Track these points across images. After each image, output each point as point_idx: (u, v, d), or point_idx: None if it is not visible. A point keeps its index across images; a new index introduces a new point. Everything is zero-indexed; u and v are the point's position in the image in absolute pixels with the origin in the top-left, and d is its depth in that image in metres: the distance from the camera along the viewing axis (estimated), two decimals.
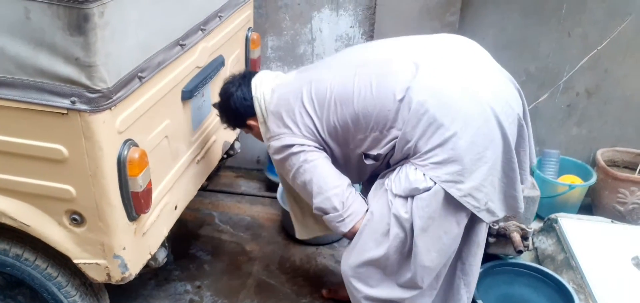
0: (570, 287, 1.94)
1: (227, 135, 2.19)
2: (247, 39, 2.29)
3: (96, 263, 1.48)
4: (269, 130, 1.69)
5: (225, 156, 2.23)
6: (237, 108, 1.77)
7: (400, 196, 1.51)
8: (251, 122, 1.78)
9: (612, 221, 2.31)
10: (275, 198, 2.65)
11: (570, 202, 2.55)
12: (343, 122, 1.57)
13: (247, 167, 3.07)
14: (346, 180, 1.62)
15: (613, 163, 2.67)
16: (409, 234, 1.52)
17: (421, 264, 1.53)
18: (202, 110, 1.92)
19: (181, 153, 1.78)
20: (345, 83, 1.56)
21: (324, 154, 1.63)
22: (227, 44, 2.05)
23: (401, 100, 1.47)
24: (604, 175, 2.55)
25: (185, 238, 2.52)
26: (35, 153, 1.34)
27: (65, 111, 1.27)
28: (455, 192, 1.45)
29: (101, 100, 1.27)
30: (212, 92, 1.98)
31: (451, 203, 1.47)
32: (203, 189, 2.22)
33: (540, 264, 2.12)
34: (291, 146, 1.61)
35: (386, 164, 1.63)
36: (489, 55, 1.62)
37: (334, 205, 1.57)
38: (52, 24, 1.19)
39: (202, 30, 1.79)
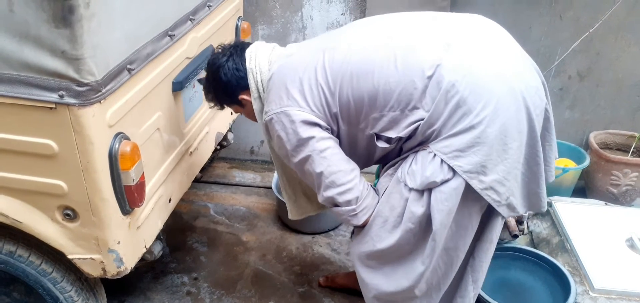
0: (565, 269, 1.96)
1: (220, 126, 2.18)
2: (237, 28, 2.26)
3: (91, 258, 1.47)
4: (269, 103, 1.51)
5: (218, 147, 2.22)
6: (228, 81, 1.58)
7: (416, 190, 1.40)
8: (244, 97, 1.60)
9: (605, 204, 2.32)
10: (270, 188, 2.64)
11: (564, 185, 2.56)
12: (358, 98, 1.41)
13: (241, 157, 3.06)
14: (357, 169, 1.51)
15: (606, 146, 2.68)
16: (424, 227, 1.43)
17: (438, 261, 1.45)
18: (193, 101, 1.90)
19: (174, 145, 1.76)
20: (364, 55, 1.41)
21: (333, 140, 1.49)
22: (217, 34, 2.03)
23: (430, 77, 1.33)
24: (597, 158, 2.55)
25: (181, 231, 2.52)
26: (25, 149, 1.33)
27: (53, 106, 1.25)
28: (476, 184, 1.33)
29: (90, 93, 1.25)
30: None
31: (470, 195, 1.37)
32: (197, 181, 2.22)
33: (535, 248, 2.13)
34: (297, 123, 1.44)
35: (398, 150, 1.51)
36: (514, 40, 1.49)
37: (348, 200, 1.47)
38: (36, 17, 1.17)
39: (191, 20, 1.77)
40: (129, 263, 1.52)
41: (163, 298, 2.15)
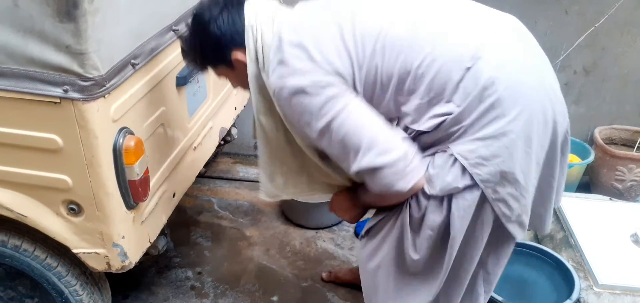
0: (569, 265, 1.95)
1: (223, 121, 2.18)
2: None
3: (95, 253, 1.48)
4: (278, 68, 1.25)
5: (222, 142, 2.22)
6: (221, 36, 1.32)
7: (435, 197, 1.26)
8: (237, 55, 1.35)
9: (610, 199, 2.31)
10: None
11: (569, 181, 2.55)
12: (388, 75, 1.22)
13: (245, 153, 3.06)
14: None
15: (611, 141, 2.67)
16: (442, 234, 1.30)
17: (455, 273, 1.34)
18: (197, 96, 1.90)
19: (178, 140, 1.76)
20: (401, 29, 1.22)
21: (361, 97, 1.27)
22: None
23: (469, 69, 1.18)
24: (602, 153, 2.54)
25: (185, 225, 2.53)
26: (30, 143, 1.33)
27: (58, 100, 1.25)
28: (490, 193, 1.21)
29: (94, 88, 1.25)
30: (207, 78, 1.96)
31: (483, 206, 1.25)
32: (201, 176, 2.22)
33: (539, 243, 2.13)
34: (318, 84, 1.21)
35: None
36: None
37: (395, 158, 1.21)
38: (41, 11, 1.16)
39: None
40: (134, 257, 1.52)
41: (167, 293, 2.16)
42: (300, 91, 1.22)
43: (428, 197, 1.26)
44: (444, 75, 1.19)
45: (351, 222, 1.58)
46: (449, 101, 1.20)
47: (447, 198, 1.25)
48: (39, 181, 1.38)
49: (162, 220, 1.69)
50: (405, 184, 1.23)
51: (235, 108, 2.31)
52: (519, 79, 1.18)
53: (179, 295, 2.15)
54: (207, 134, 2.01)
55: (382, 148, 1.21)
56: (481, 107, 1.17)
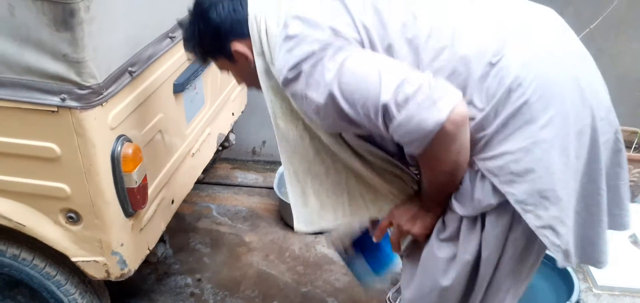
0: (569, 267, 1.96)
1: (221, 127, 2.18)
2: None
3: (94, 261, 1.47)
4: (285, 40, 1.10)
5: (220, 148, 2.22)
6: (220, 23, 1.19)
7: (468, 217, 1.13)
8: (238, 46, 1.20)
9: None
10: (272, 188, 2.65)
11: None
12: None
13: (243, 158, 3.06)
14: None
15: None
16: (476, 264, 1.15)
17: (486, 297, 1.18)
18: (195, 103, 1.91)
19: (176, 146, 1.77)
20: (422, 24, 1.08)
21: None
22: None
23: (492, 65, 1.03)
24: None
25: (184, 232, 2.52)
26: (28, 152, 1.33)
27: (55, 109, 1.25)
28: (532, 220, 1.03)
29: (92, 96, 1.25)
30: (205, 84, 1.96)
31: (520, 231, 1.09)
32: (199, 182, 2.22)
33: None
34: (328, 44, 1.06)
35: None
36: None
37: (419, 84, 0.99)
38: (37, 20, 1.17)
39: None
40: (133, 265, 1.52)
41: (167, 300, 2.15)
42: (309, 56, 1.07)
43: (460, 218, 1.13)
44: (462, 71, 1.05)
45: (421, 237, 1.26)
46: (470, 103, 1.05)
47: (480, 217, 1.11)
48: (37, 190, 1.38)
49: (160, 227, 1.69)
50: (439, 113, 0.98)
51: (232, 114, 2.31)
52: (550, 79, 1.02)
53: (179, 302, 2.14)
54: (205, 140, 2.02)
55: (404, 75, 1.01)
56: (507, 111, 1.02)
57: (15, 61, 1.22)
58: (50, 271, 1.56)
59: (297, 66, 1.08)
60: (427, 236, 1.25)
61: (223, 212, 2.67)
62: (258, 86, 1.26)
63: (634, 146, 2.58)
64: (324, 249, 2.42)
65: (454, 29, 1.07)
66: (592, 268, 1.94)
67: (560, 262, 1.08)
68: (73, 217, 1.41)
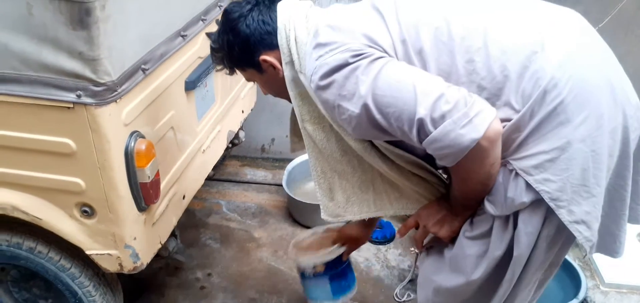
0: (576, 264, 1.96)
1: (231, 124, 2.21)
2: None
3: (108, 254, 1.51)
4: (316, 48, 1.13)
5: (230, 145, 2.25)
6: (250, 35, 1.22)
7: (500, 217, 1.14)
8: (266, 58, 1.23)
9: None
10: (281, 185, 2.67)
11: None
12: (439, 69, 1.10)
13: (252, 155, 3.09)
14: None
15: None
16: (506, 257, 1.16)
17: (513, 294, 1.20)
18: (206, 100, 1.94)
19: (187, 143, 1.80)
20: (456, 28, 1.10)
21: None
22: None
23: (527, 67, 1.04)
24: None
25: (194, 227, 2.56)
26: (44, 148, 1.37)
27: (71, 105, 1.29)
28: (565, 215, 1.06)
29: (106, 93, 1.29)
30: (215, 82, 1.99)
31: (552, 222, 1.10)
32: (209, 178, 2.25)
33: None
34: (361, 54, 1.08)
35: None
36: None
37: (455, 101, 1.01)
38: (54, 19, 1.20)
39: (202, 20, 1.80)
40: (145, 258, 1.56)
41: (177, 294, 2.19)
42: (343, 66, 1.09)
43: (492, 217, 1.15)
44: (498, 73, 1.06)
45: (448, 239, 1.28)
46: (506, 104, 1.07)
47: (513, 216, 1.13)
48: (54, 185, 1.42)
49: (172, 221, 1.72)
50: (475, 131, 1.00)
51: (242, 111, 2.34)
52: (585, 79, 1.04)
53: (189, 296, 2.18)
54: (216, 137, 2.05)
55: (440, 91, 1.03)
56: (543, 112, 1.03)
57: (33, 58, 1.26)
58: (65, 264, 1.60)
59: (329, 74, 1.10)
60: (453, 239, 1.27)
61: (233, 208, 2.70)
62: (285, 96, 1.29)
63: None
64: None
65: (485, 31, 1.08)
66: (599, 266, 1.95)
67: (588, 253, 1.13)
68: (88, 211, 1.45)
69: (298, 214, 2.58)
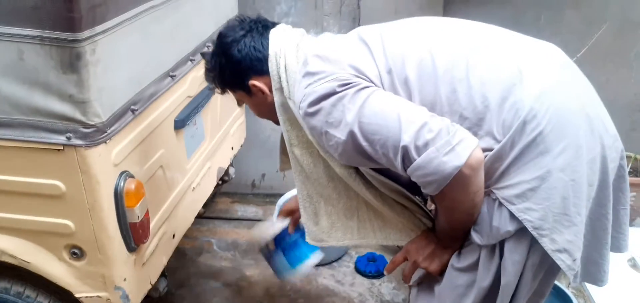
0: (569, 291, 1.96)
1: (221, 161, 2.22)
2: None
3: (98, 296, 1.49)
4: (305, 77, 1.19)
5: (220, 182, 2.26)
6: (241, 60, 1.27)
7: (486, 246, 1.16)
8: (255, 83, 1.28)
9: None
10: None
11: None
12: (422, 99, 1.14)
13: (243, 192, 3.09)
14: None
15: None
16: (494, 287, 1.17)
17: None
18: (195, 138, 1.95)
19: (177, 181, 1.80)
20: (431, 53, 1.15)
21: None
22: None
23: (505, 99, 1.08)
24: None
25: (185, 267, 2.53)
26: (33, 190, 1.37)
27: (61, 147, 1.30)
28: (547, 244, 1.08)
29: (96, 134, 1.30)
30: (205, 120, 2.01)
31: (537, 256, 1.12)
32: (200, 216, 2.24)
33: None
34: (348, 83, 1.12)
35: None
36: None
37: (438, 130, 1.05)
38: (45, 64, 1.22)
39: (191, 60, 1.84)
40: (135, 300, 1.54)
41: None
42: (330, 94, 1.13)
43: (479, 248, 1.17)
44: (479, 103, 1.09)
45: (437, 273, 1.28)
46: (488, 134, 1.09)
47: (499, 245, 1.14)
48: (43, 227, 1.41)
49: (162, 261, 1.71)
50: (457, 158, 1.03)
51: (232, 148, 2.35)
52: (563, 109, 1.07)
53: None
54: (205, 174, 2.05)
55: (423, 119, 1.07)
56: (522, 142, 1.07)
57: (24, 102, 1.27)
58: None
59: (317, 102, 1.14)
60: (442, 272, 1.28)
61: (224, 246, 2.68)
62: (273, 119, 1.34)
63: (628, 170, 2.61)
64: (326, 281, 2.42)
65: (467, 63, 1.12)
66: (592, 292, 1.96)
67: (572, 282, 1.14)
68: (77, 253, 1.43)
69: None
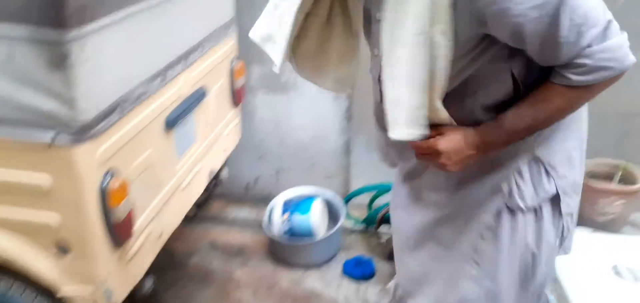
0: (552, 297, 1.97)
1: (213, 162, 2.24)
2: (231, 69, 2.34)
3: (82, 292, 1.51)
4: None
5: (213, 184, 2.27)
6: None
7: (530, 210, 1.15)
8: None
9: (592, 231, 2.35)
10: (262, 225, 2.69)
11: None
12: None
13: (236, 194, 3.10)
14: None
15: (593, 175, 2.72)
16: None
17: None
18: (186, 138, 1.97)
19: (165, 181, 1.82)
20: None
21: None
22: (210, 74, 2.11)
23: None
24: (584, 187, 2.59)
25: (174, 269, 2.54)
26: (20, 187, 1.39)
27: (48, 145, 1.32)
28: (565, 208, 1.15)
29: (82, 132, 1.32)
30: (196, 121, 2.03)
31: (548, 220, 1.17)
32: (192, 218, 2.26)
33: None
34: None
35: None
36: None
37: (617, 28, 1.01)
38: (35, 63, 1.25)
39: (183, 62, 1.86)
40: (119, 296, 1.55)
41: None
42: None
43: (524, 210, 1.15)
44: None
45: (452, 169, 1.12)
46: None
47: (539, 209, 1.16)
48: (28, 224, 1.43)
49: (148, 259, 1.72)
50: (631, 58, 1.00)
51: (224, 150, 2.37)
52: None
53: None
54: (196, 175, 2.07)
55: (607, 18, 0.99)
56: None
57: (12, 100, 1.30)
58: None
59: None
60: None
61: (215, 248, 2.70)
62: None
63: (618, 178, 2.63)
64: (313, 283, 2.43)
65: None
66: (575, 300, 1.96)
67: (567, 248, 1.27)
68: (62, 249, 1.45)
69: (279, 252, 2.58)
